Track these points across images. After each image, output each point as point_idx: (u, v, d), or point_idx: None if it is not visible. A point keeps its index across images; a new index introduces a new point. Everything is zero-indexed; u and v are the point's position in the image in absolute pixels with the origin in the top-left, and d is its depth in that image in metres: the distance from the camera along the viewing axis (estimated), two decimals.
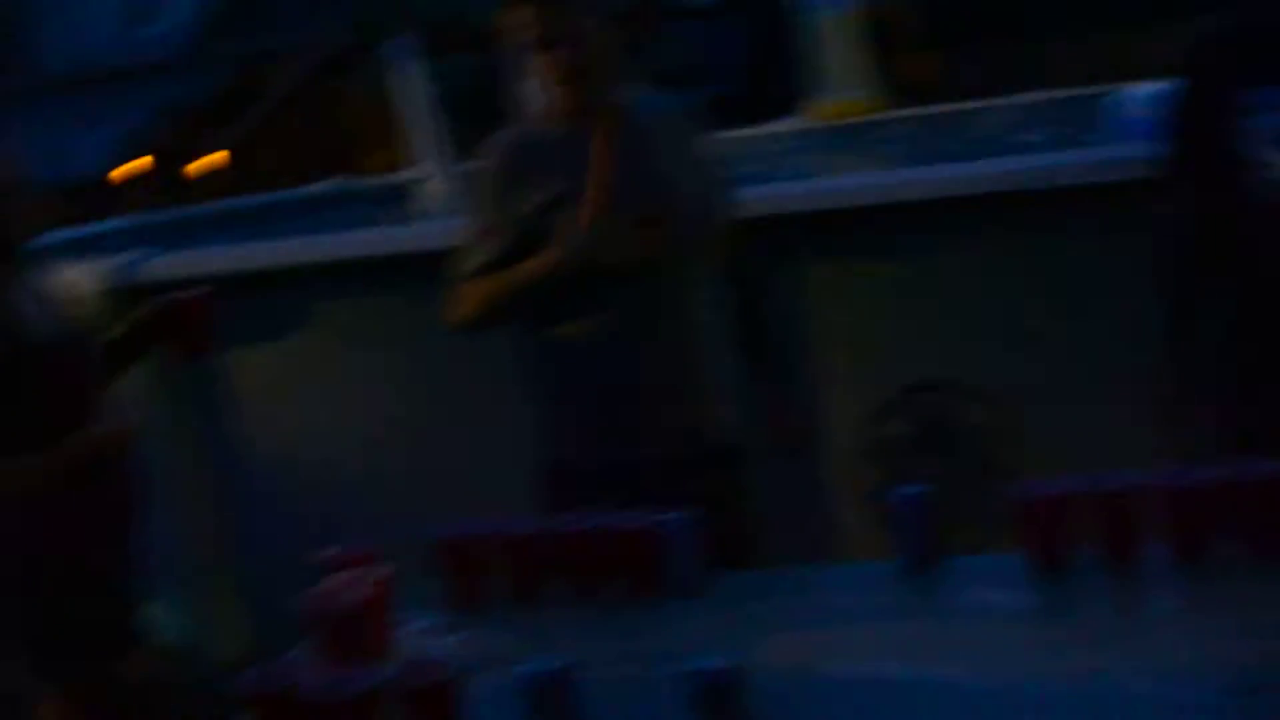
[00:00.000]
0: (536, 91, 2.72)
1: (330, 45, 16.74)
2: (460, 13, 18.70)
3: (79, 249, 3.66)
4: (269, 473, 4.11)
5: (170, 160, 15.22)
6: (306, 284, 4.01)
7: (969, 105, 10.27)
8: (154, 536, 2.70)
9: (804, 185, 4.19)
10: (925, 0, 15.07)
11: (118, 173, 15.26)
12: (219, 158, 14.34)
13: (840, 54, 11.24)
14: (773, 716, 1.72)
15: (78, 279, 2.70)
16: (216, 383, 4.05)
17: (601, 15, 2.63)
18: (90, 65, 23.41)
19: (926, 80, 14.40)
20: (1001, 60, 17.80)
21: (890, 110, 10.65)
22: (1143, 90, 3.91)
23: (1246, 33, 2.61)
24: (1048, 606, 2.04)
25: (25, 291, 2.57)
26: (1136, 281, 2.71)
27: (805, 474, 3.00)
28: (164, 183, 14.38)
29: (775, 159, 9.28)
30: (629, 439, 2.64)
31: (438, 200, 8.93)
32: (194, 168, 14.69)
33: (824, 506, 3.56)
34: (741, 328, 2.80)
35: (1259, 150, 2.49)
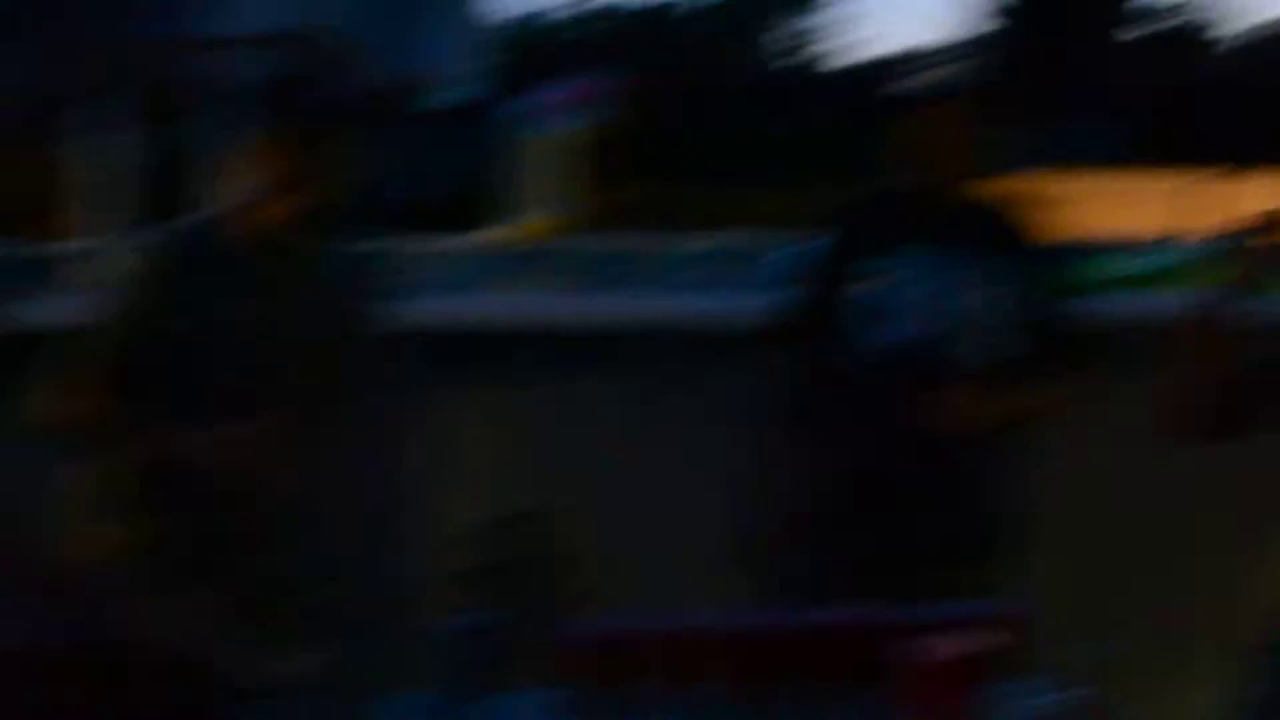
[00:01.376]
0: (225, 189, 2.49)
1: (14, 105, 16.08)
2: (162, 84, 18.24)
3: None
4: None
5: None
6: None
7: (657, 238, 10.58)
8: None
9: (447, 303, 4.22)
10: (632, 134, 15.59)
11: None
12: None
13: (544, 175, 11.49)
14: None
15: None
16: None
17: (322, 131, 2.43)
18: None
19: (626, 209, 14.84)
20: (703, 199, 18.47)
21: (586, 235, 10.93)
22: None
23: (876, 201, 2.78)
24: None
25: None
26: (734, 424, 2.81)
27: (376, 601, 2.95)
28: None
29: (461, 272, 9.36)
30: None
31: (99, 275, 8.58)
32: None
33: (403, 629, 3.51)
34: None
35: (875, 310, 2.64)
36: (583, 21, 30.58)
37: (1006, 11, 31.19)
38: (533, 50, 27.58)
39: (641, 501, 3.50)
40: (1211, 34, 38.52)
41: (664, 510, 3.51)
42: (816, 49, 32.73)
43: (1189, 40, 37.71)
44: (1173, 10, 38.15)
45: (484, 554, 3.49)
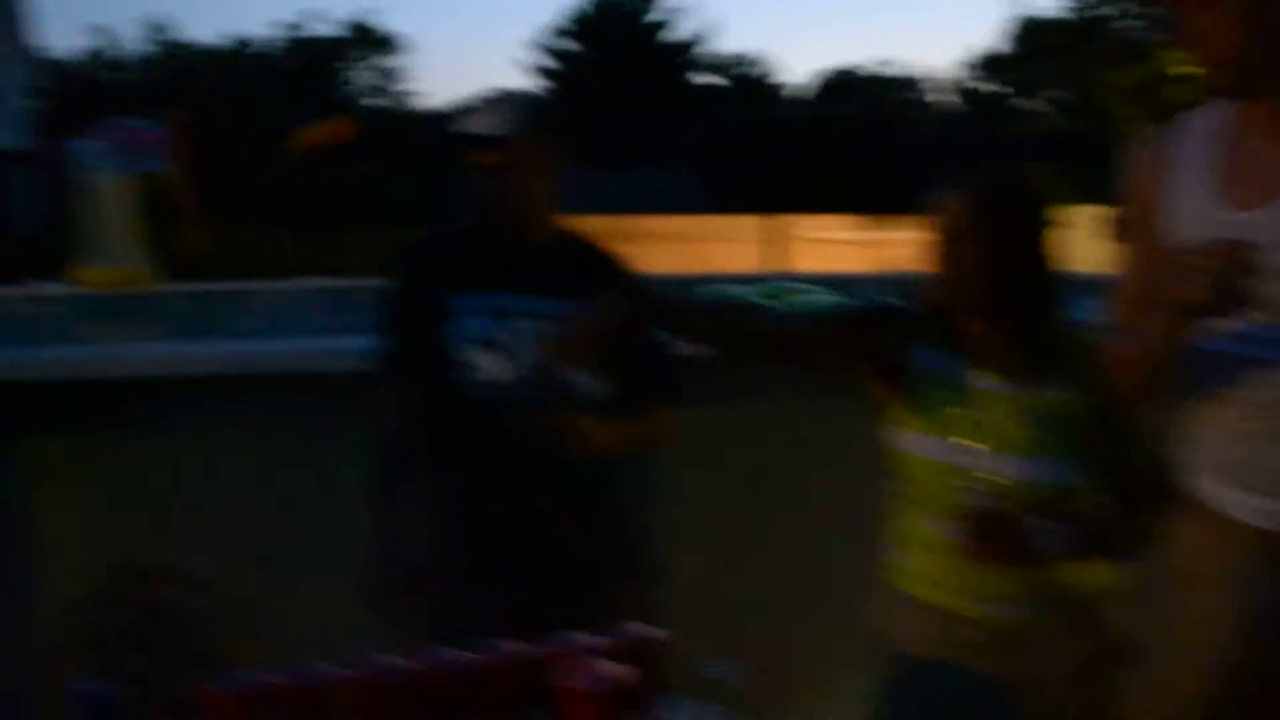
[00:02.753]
0: None
1: None
2: None
3: None
4: None
5: None
6: None
7: (240, 285, 10.31)
8: None
9: (42, 353, 3.98)
10: (203, 180, 15.10)
11: None
12: None
13: (113, 221, 10.93)
14: None
15: None
16: None
17: None
18: None
19: (199, 257, 14.33)
20: (273, 245, 18.14)
21: (157, 283, 10.47)
22: None
23: (451, 241, 2.79)
24: None
25: None
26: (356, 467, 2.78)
27: (4, 666, 2.76)
28: None
29: (34, 323, 8.79)
30: None
31: None
32: None
33: (28, 702, 3.30)
34: None
35: (462, 351, 2.65)
36: (146, 60, 29.43)
37: (579, 58, 32.26)
38: (92, 89, 26.30)
39: (270, 548, 3.39)
40: (775, 82, 41.14)
41: (292, 556, 3.42)
42: (393, 90, 32.79)
43: (755, 89, 40.12)
44: (741, 61, 40.48)
45: (105, 615, 3.31)
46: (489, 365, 2.66)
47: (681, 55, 39.81)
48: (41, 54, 27.96)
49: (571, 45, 36.79)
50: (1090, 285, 2.47)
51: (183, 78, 24.94)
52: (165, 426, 3.45)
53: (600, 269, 2.81)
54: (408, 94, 33.51)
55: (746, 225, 22.47)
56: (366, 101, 32.14)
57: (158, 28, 30.52)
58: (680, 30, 40.13)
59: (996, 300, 2.25)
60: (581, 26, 37.84)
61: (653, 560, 2.84)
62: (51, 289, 10.24)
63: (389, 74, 32.84)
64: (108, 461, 3.39)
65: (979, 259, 2.22)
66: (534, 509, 2.68)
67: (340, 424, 3.38)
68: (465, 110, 2.78)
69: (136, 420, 3.43)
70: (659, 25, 40.00)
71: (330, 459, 3.45)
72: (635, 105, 30.89)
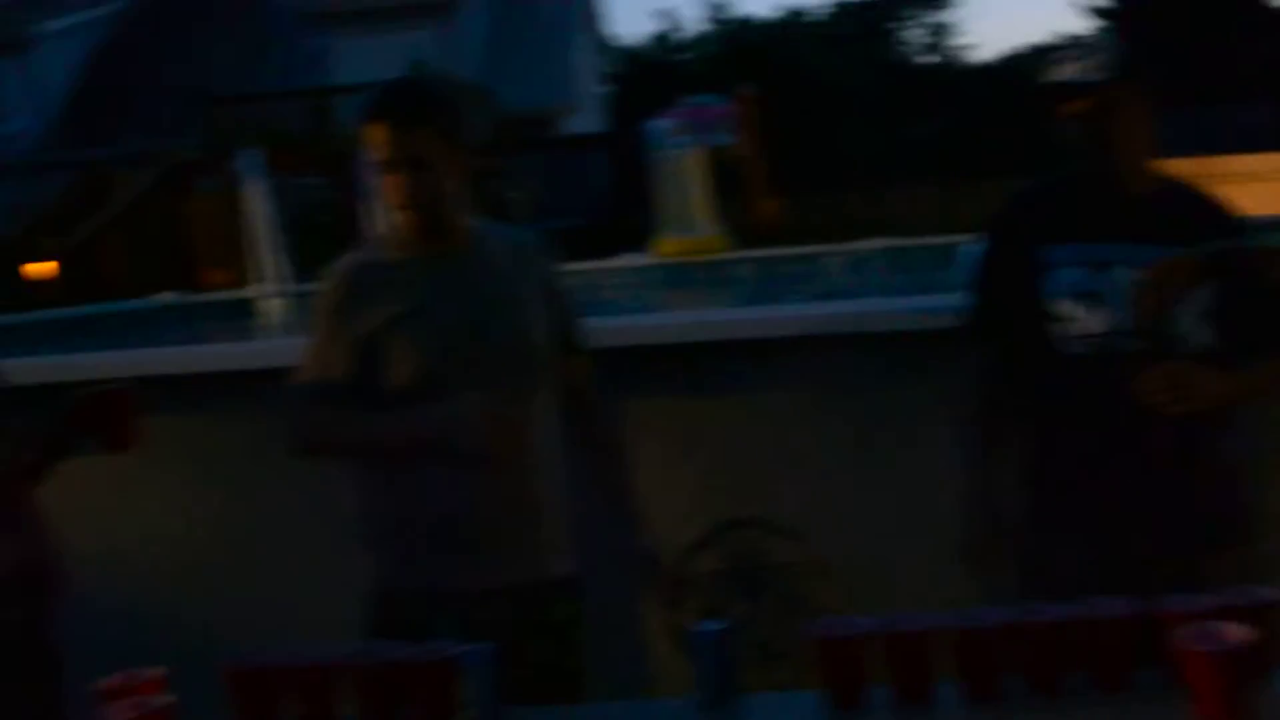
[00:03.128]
0: (383, 214, 2.71)
1: (178, 156, 16.64)
2: (313, 132, 18.73)
3: None
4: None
5: (7, 264, 14.88)
6: None
7: (809, 249, 10.55)
8: None
9: (634, 320, 4.26)
10: (773, 148, 15.58)
11: None
12: (50, 266, 14.05)
13: (688, 194, 11.52)
14: None
15: None
16: None
17: (454, 141, 2.60)
18: None
19: (770, 224, 14.82)
20: (841, 208, 18.38)
21: (734, 251, 10.94)
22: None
23: (1047, 193, 2.74)
24: None
25: None
26: (944, 425, 2.80)
27: (620, 607, 3.00)
28: None
29: (619, 292, 9.44)
30: (467, 568, 2.60)
31: (274, 318, 8.87)
32: (30, 272, 14.36)
33: (635, 640, 3.56)
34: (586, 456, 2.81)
35: (1058, 303, 2.61)
36: (708, 39, 30.66)
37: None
38: (661, 71, 27.73)
39: (845, 506, 3.49)
40: None
41: (875, 513, 3.50)
42: (953, 44, 32.40)
43: None
44: None
45: (713, 561, 3.54)
46: (1086, 317, 2.59)
47: None
48: (613, 42, 29.83)
49: None
50: None
51: (744, 53, 25.78)
52: (749, 387, 3.60)
53: (1205, 215, 2.67)
54: (960, 49, 33.01)
55: None
56: (920, 60, 31.94)
57: (717, 7, 31.63)
58: None
59: None
60: None
61: (1255, 522, 2.68)
62: (634, 260, 10.96)
63: (941, 30, 32.48)
64: (695, 419, 3.58)
65: None
66: (1131, 464, 2.58)
67: (919, 383, 3.41)
68: (1051, 60, 2.73)
69: (723, 381, 3.60)
70: None
71: (910, 416, 3.49)
72: (1207, 36, 28.89)
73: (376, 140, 2.58)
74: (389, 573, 2.65)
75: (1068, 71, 2.67)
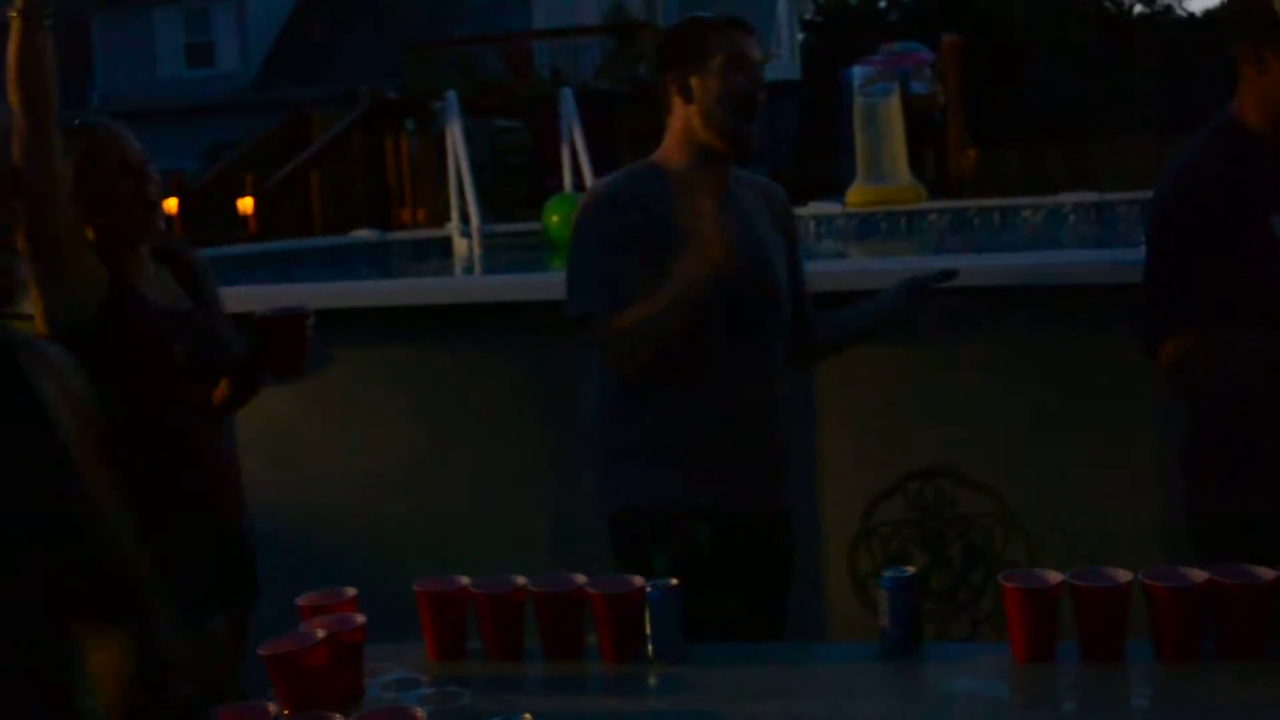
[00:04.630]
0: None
1: (377, 97, 16.99)
2: (509, 76, 18.92)
3: None
4: (274, 513, 4.12)
5: (215, 199, 15.42)
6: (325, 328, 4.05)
7: (1003, 201, 10.32)
8: None
9: (828, 265, 4.22)
10: (974, 98, 15.22)
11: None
12: (249, 202, 14.50)
13: (886, 142, 11.35)
14: None
15: None
16: None
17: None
18: (154, 102, 23.91)
19: (967, 174, 14.51)
20: (1041, 160, 17.88)
21: (929, 201, 10.75)
22: None
23: (1258, 151, 2.43)
24: (1027, 697, 2.03)
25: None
26: (1146, 382, 2.70)
27: (804, 551, 3.00)
28: (200, 221, 14.54)
29: (812, 240, 9.37)
30: (712, 488, 2.64)
31: (467, 256, 9.03)
32: (238, 207, 14.86)
33: (819, 584, 3.55)
34: None
35: None
36: None
37: None
38: (859, 18, 27.31)
39: (1038, 460, 3.41)
40: None
41: (1066, 469, 3.42)
42: None
43: None
44: None
45: (900, 510, 3.51)
46: None
47: None
48: None
49: None
50: None
51: (949, 2, 25.20)
52: (945, 337, 3.53)
53: None
54: (1171, 1, 31.75)
55: None
56: (1129, 9, 30.84)
57: None
58: None
59: None
60: None
61: None
62: (828, 208, 10.85)
63: None
64: (889, 368, 3.53)
65: None
66: None
67: (1120, 338, 3.30)
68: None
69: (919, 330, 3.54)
70: None
71: (1108, 373, 3.39)
72: None
73: (742, 44, 2.67)
74: (639, 488, 2.67)
75: None
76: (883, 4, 29.25)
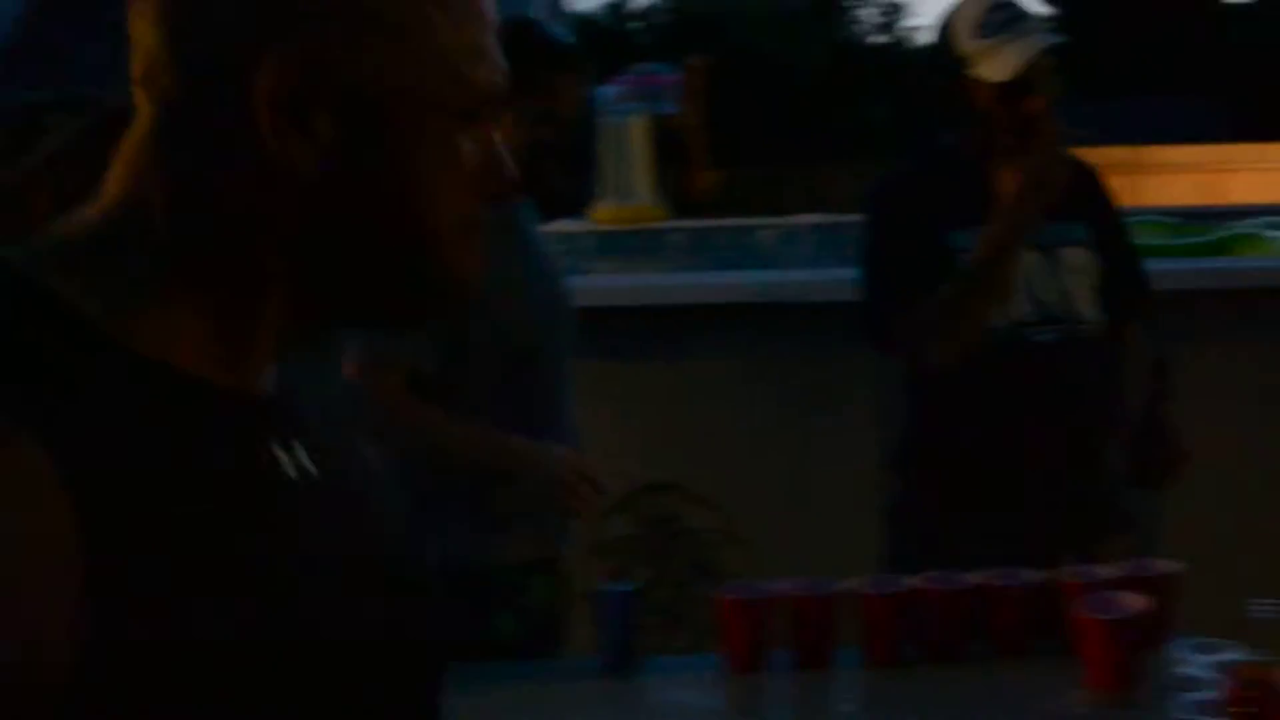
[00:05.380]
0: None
1: (113, 102, 16.37)
2: None
3: None
4: None
5: None
6: None
7: (741, 221, 10.56)
8: None
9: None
10: (717, 120, 15.53)
11: None
12: None
13: (629, 162, 11.47)
14: None
15: None
16: None
17: None
18: None
19: (707, 194, 14.79)
20: (781, 183, 18.40)
21: (670, 220, 10.91)
22: None
23: (941, 174, 2.63)
24: (739, 707, 2.06)
25: None
26: (866, 400, 2.80)
27: None
28: None
29: (559, 259, 9.37)
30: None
31: None
32: None
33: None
34: None
35: None
36: (660, 9, 30.57)
37: None
38: (612, 39, 27.63)
39: (762, 476, 3.49)
40: None
41: (791, 484, 3.50)
42: (896, 27, 32.49)
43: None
44: None
45: (628, 524, 3.53)
46: (1022, 293, 2.52)
47: None
48: (568, 8, 29.63)
49: None
50: None
51: (696, 24, 25.72)
52: (674, 354, 3.59)
53: (1092, 185, 2.67)
54: (910, 29, 33.13)
55: (1273, 154, 20.76)
56: (871, 40, 32.01)
57: None
58: None
59: None
60: None
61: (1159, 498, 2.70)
62: (573, 226, 10.90)
63: (893, 10, 32.54)
64: (618, 384, 3.56)
65: None
66: (1036, 450, 2.55)
67: (843, 356, 3.40)
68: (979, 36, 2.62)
69: (649, 347, 3.59)
70: None
71: (832, 390, 3.49)
72: (1147, 27, 29.15)
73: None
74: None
75: (989, 52, 2.55)
76: (632, 25, 29.70)
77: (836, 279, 3.69)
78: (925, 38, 34.51)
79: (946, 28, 2.59)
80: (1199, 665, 1.94)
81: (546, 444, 2.37)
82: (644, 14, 30.84)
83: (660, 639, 3.20)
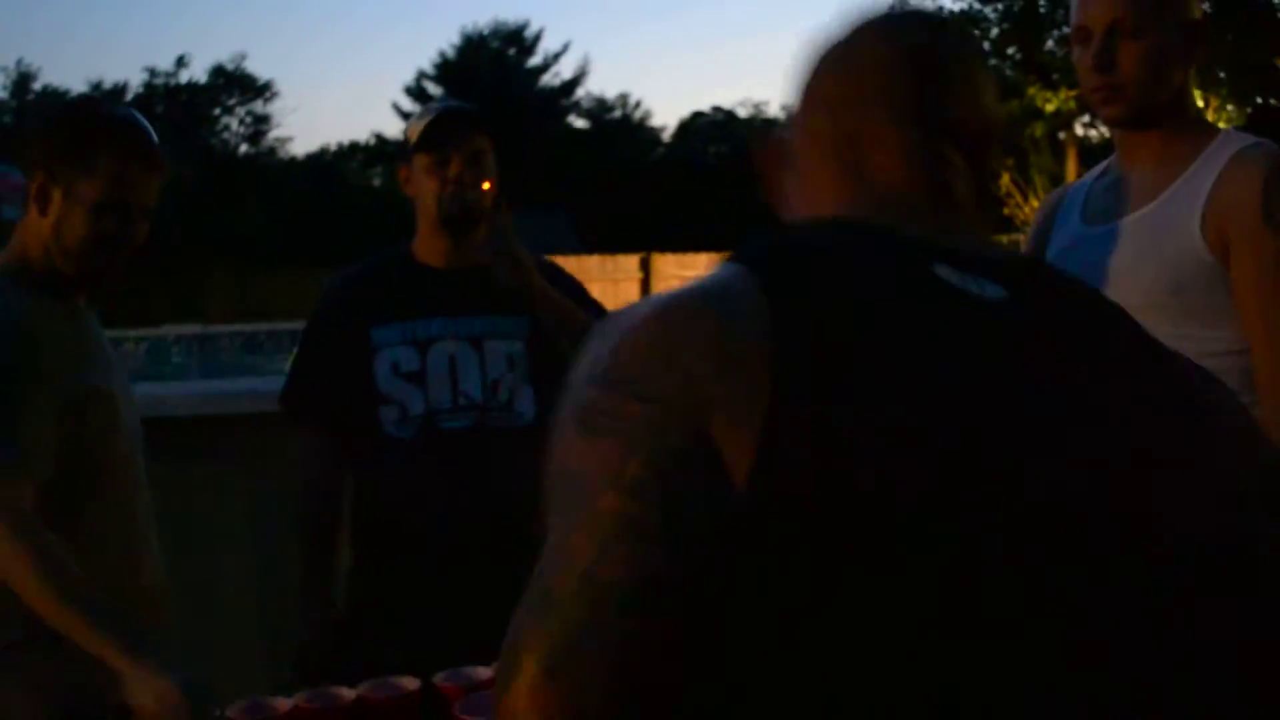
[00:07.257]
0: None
1: None
2: None
3: None
4: None
5: None
6: None
7: (112, 333, 10.08)
8: None
9: None
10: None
11: None
12: None
13: None
14: None
15: None
16: None
17: None
18: None
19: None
20: (149, 294, 17.76)
21: None
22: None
23: (371, 276, 2.72)
24: None
25: None
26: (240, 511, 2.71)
27: None
28: None
29: None
30: None
31: None
32: None
33: None
34: None
35: (385, 387, 2.58)
36: (6, 108, 28.80)
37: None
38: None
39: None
40: (647, 125, 41.39)
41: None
42: (271, 136, 32.40)
43: (626, 132, 40.34)
44: (613, 105, 40.66)
45: None
46: (411, 398, 2.56)
47: (555, 100, 39.93)
48: None
49: (439, 90, 36.70)
50: None
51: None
52: None
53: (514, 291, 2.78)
54: (279, 141, 33.16)
55: (624, 264, 22.58)
56: (239, 149, 31.73)
57: (26, 75, 29.80)
58: (548, 75, 40.30)
59: None
60: (446, 72, 37.81)
61: None
62: None
63: (260, 121, 32.39)
64: None
65: None
66: (451, 547, 2.55)
67: (210, 467, 3.30)
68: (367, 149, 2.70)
69: None
70: (528, 70, 40.12)
71: (200, 499, 3.38)
72: (506, 149, 30.91)
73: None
74: None
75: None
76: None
77: (205, 392, 3.58)
78: (295, 148, 34.84)
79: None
80: None
81: (148, 663, 1.97)
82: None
83: None
